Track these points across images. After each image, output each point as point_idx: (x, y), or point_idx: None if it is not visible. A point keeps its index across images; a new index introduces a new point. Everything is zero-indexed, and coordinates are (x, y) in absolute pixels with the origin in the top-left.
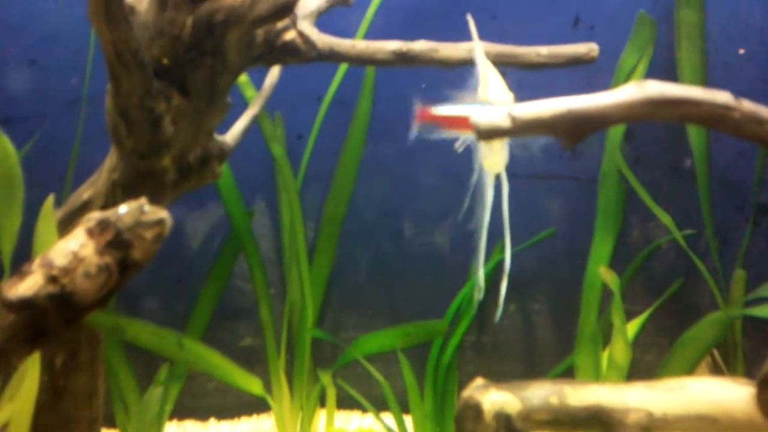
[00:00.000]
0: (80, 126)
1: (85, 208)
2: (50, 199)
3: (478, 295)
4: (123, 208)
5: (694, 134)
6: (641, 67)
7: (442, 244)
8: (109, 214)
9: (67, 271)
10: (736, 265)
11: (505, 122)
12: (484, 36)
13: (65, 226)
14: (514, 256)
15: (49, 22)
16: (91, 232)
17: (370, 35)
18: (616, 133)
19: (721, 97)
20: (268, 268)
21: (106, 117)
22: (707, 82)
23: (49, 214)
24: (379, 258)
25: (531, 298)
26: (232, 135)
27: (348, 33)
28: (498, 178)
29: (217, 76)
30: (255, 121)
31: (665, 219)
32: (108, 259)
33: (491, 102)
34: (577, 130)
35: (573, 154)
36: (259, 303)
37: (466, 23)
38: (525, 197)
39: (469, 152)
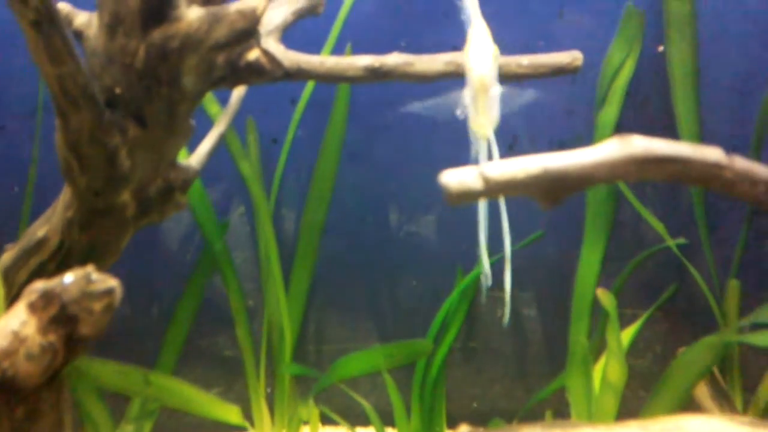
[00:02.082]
0: (37, 137)
1: (40, 245)
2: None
3: (486, 281)
4: (68, 278)
5: (686, 133)
6: (629, 63)
7: (427, 248)
8: (53, 284)
9: (7, 353)
10: (731, 272)
11: (477, 183)
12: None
13: (19, 266)
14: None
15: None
16: (33, 308)
17: (341, 39)
18: (605, 129)
19: (712, 154)
20: (247, 278)
21: (57, 153)
22: (698, 76)
23: None
24: (361, 263)
25: (521, 302)
26: (197, 158)
27: (318, 39)
28: (488, 143)
29: (175, 104)
30: (222, 139)
31: (657, 226)
32: (52, 337)
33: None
34: (555, 191)
35: None
36: (235, 322)
37: (445, 24)
38: (511, 199)
39: (458, 147)
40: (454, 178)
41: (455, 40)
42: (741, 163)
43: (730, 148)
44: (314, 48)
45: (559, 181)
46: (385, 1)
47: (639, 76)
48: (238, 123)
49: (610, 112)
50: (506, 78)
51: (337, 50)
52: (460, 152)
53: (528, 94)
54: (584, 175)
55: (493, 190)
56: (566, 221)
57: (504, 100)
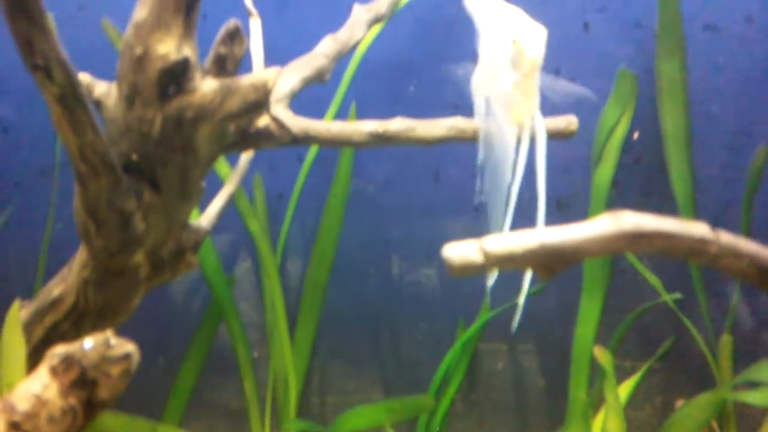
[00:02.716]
0: (54, 194)
1: (55, 304)
2: (16, 306)
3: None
4: (88, 343)
5: (679, 187)
6: (624, 122)
7: (430, 300)
8: (73, 349)
9: (30, 416)
10: (726, 325)
11: (477, 257)
12: (460, 92)
13: (34, 324)
14: (504, 313)
15: (22, 88)
16: (54, 371)
17: (350, 90)
18: (601, 187)
19: (698, 230)
20: (253, 330)
21: (74, 217)
22: (690, 134)
23: (16, 322)
24: (365, 315)
25: (521, 354)
26: (207, 218)
27: (327, 91)
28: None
29: (188, 169)
30: (231, 200)
31: (652, 280)
32: (72, 400)
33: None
34: (551, 264)
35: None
36: (242, 374)
37: (446, 73)
38: None
39: (459, 198)
40: (456, 252)
41: (456, 98)
42: (726, 238)
43: (723, 203)
44: (321, 104)
45: (556, 255)
46: (389, 63)
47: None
48: (245, 179)
49: (605, 170)
50: None
51: (343, 108)
52: (462, 203)
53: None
54: (579, 250)
55: (493, 263)
56: (565, 274)
57: None
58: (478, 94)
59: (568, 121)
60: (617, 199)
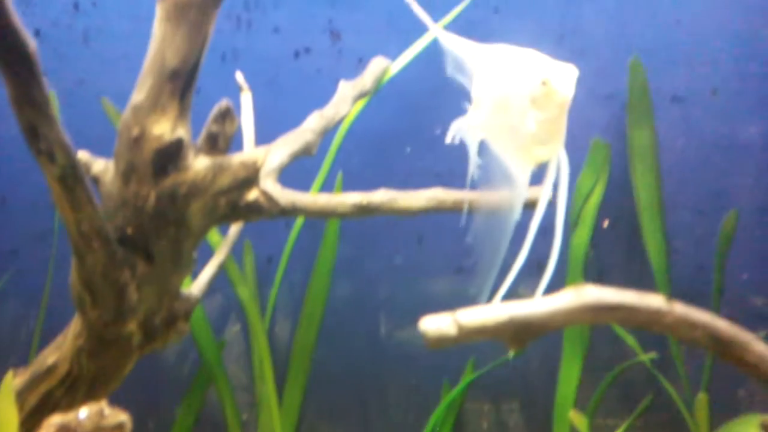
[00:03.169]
0: (51, 262)
1: (50, 372)
2: (10, 376)
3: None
4: (83, 412)
5: (653, 249)
6: (598, 189)
7: (416, 362)
8: (69, 419)
9: None
10: (702, 384)
11: (451, 330)
12: (442, 160)
13: (29, 390)
14: (489, 372)
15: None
16: None
17: (337, 160)
18: (578, 250)
19: (655, 302)
20: (242, 392)
21: (70, 288)
22: (662, 200)
23: (9, 392)
24: (352, 375)
25: (504, 414)
26: (198, 286)
27: (315, 160)
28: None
29: (181, 241)
30: (221, 267)
31: (629, 340)
32: None
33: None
34: (520, 336)
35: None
36: None
37: (429, 143)
38: None
39: (444, 257)
40: (432, 325)
41: (438, 167)
42: (680, 309)
43: (696, 265)
44: (309, 173)
45: (524, 327)
46: (374, 134)
47: (608, 200)
48: (235, 243)
49: (582, 233)
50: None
51: (331, 177)
52: (444, 265)
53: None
54: (545, 323)
55: (466, 335)
56: (547, 335)
57: None
58: (473, 136)
59: (533, 193)
60: (594, 262)
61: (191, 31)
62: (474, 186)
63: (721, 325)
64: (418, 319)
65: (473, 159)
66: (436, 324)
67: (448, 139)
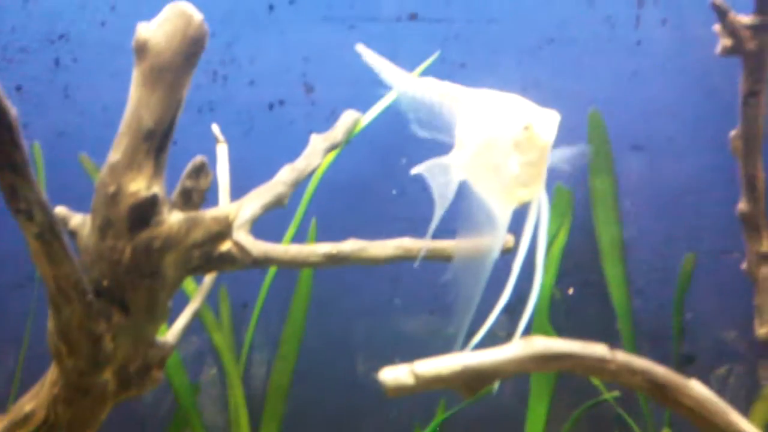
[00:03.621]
0: (32, 308)
1: (27, 419)
2: None
3: None
4: None
5: (615, 291)
6: (562, 233)
7: (391, 406)
8: None
9: None
10: (664, 420)
11: (409, 379)
12: (413, 206)
13: None
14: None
15: None
16: None
17: (311, 207)
18: (544, 295)
19: (599, 350)
20: None
21: (47, 338)
22: (623, 245)
23: None
24: (327, 416)
25: None
26: (173, 334)
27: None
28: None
29: (156, 293)
30: (196, 315)
31: (594, 380)
32: None
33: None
34: (473, 383)
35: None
36: None
37: (400, 190)
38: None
39: (416, 297)
40: (390, 375)
41: (410, 212)
42: (621, 356)
43: (657, 304)
44: (284, 219)
45: (477, 376)
46: (347, 182)
47: (571, 243)
48: (211, 290)
49: (547, 277)
50: (447, 259)
51: (305, 223)
52: (418, 305)
53: None
54: (497, 371)
55: (423, 384)
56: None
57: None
58: (456, 176)
59: (507, 239)
60: (559, 304)
61: (166, 94)
62: (445, 227)
63: (659, 371)
64: (392, 361)
65: (440, 200)
66: (394, 374)
67: (414, 171)
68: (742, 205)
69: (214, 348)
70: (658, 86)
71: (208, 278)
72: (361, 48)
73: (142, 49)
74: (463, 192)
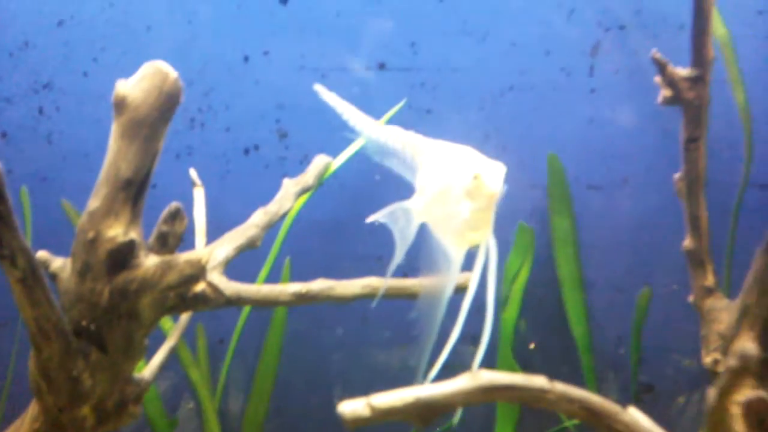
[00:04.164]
0: (15, 346)
1: None
2: None
3: None
4: None
5: (575, 324)
6: (525, 269)
7: None
8: None
9: None
10: None
11: (365, 411)
12: (383, 245)
13: None
14: None
15: None
16: None
17: (285, 247)
18: (508, 325)
19: (538, 382)
20: None
21: (29, 377)
22: (583, 280)
23: None
24: None
25: None
26: (150, 370)
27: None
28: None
29: (132, 332)
30: (173, 351)
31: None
32: None
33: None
34: (426, 414)
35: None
36: None
37: (369, 230)
38: None
39: (389, 329)
40: (348, 408)
41: (380, 251)
42: (560, 387)
43: (616, 336)
44: (257, 260)
45: (429, 407)
46: (320, 222)
47: (534, 279)
48: (188, 328)
49: (511, 310)
50: (411, 297)
51: (280, 262)
52: (388, 339)
53: None
54: (447, 403)
55: (379, 416)
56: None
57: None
58: (416, 220)
59: (465, 277)
60: (521, 337)
61: (143, 146)
62: (406, 266)
63: (594, 399)
64: (366, 392)
65: (401, 241)
66: (352, 407)
67: (371, 218)
68: (687, 242)
69: (191, 383)
70: (612, 130)
71: (184, 316)
72: (319, 88)
73: (120, 105)
74: (423, 234)
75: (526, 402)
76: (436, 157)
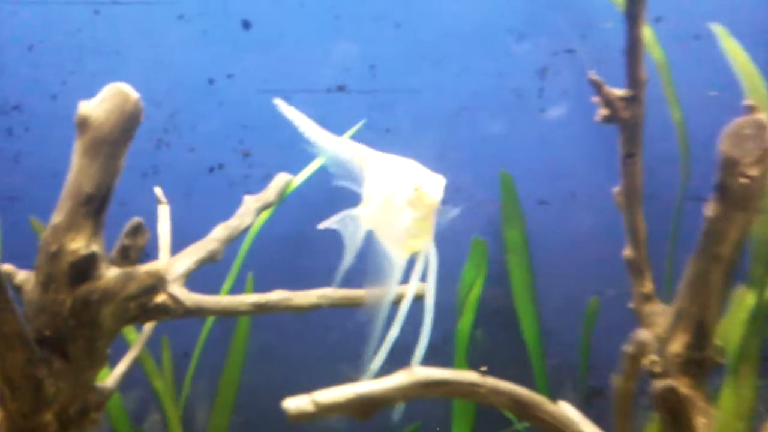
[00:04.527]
0: None
1: None
2: None
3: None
4: None
5: (528, 333)
6: (479, 281)
7: None
8: None
9: None
10: None
11: (309, 407)
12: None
13: None
14: None
15: None
16: None
17: (248, 262)
18: (463, 333)
19: (470, 377)
20: None
21: None
22: (535, 290)
23: None
24: None
25: None
26: (113, 379)
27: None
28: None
29: (94, 341)
30: (136, 362)
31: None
32: None
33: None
34: (366, 409)
35: None
36: None
37: (335, 246)
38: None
39: (343, 359)
40: (293, 404)
41: (338, 264)
42: (490, 381)
43: (567, 344)
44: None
45: (369, 402)
46: (282, 237)
47: (488, 290)
48: (153, 340)
49: (466, 320)
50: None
51: (241, 278)
52: (347, 350)
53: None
54: (385, 398)
55: (322, 411)
56: (438, 404)
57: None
58: (363, 227)
59: (421, 287)
60: (478, 344)
61: (105, 164)
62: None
63: (521, 391)
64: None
65: (350, 246)
66: (296, 403)
67: (323, 225)
68: (627, 252)
69: (157, 395)
70: (561, 148)
71: (148, 327)
72: (279, 102)
73: (83, 124)
74: (369, 241)
75: (459, 395)
76: (381, 169)
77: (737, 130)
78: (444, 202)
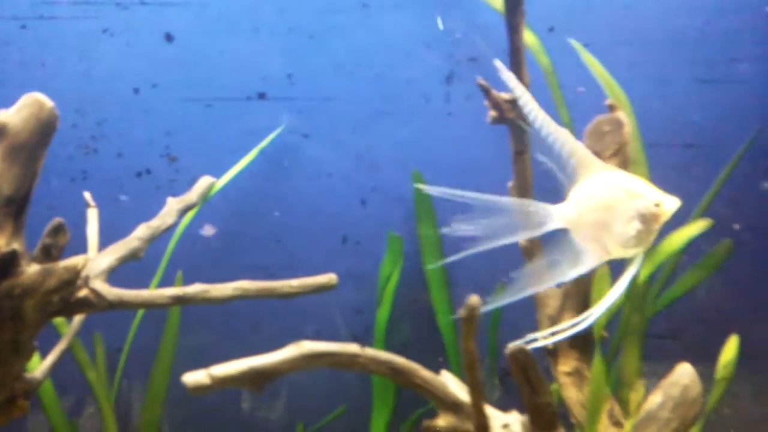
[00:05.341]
0: None
1: None
2: None
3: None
4: None
5: (442, 320)
6: (395, 275)
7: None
8: None
9: None
10: None
11: (206, 380)
12: (270, 254)
13: None
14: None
15: None
16: None
17: (176, 260)
18: (381, 322)
19: (352, 348)
20: None
21: None
22: (448, 280)
23: None
24: None
25: None
26: (41, 370)
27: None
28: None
29: (19, 332)
30: (66, 353)
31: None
32: None
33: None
34: (258, 380)
35: None
36: None
37: (258, 245)
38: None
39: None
40: (191, 378)
41: (263, 261)
42: (370, 351)
43: (478, 333)
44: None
45: (260, 374)
46: (209, 236)
47: (405, 281)
48: (87, 336)
49: (384, 310)
50: (281, 297)
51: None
52: (284, 341)
53: (324, 299)
54: (276, 369)
55: (218, 383)
56: (361, 384)
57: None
58: (555, 223)
59: (329, 278)
60: (394, 333)
61: (23, 168)
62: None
63: (398, 360)
64: (270, 396)
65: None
66: (194, 377)
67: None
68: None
69: (92, 388)
70: (467, 148)
71: (76, 320)
72: (498, 64)
73: (1, 132)
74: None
75: (342, 366)
76: (605, 177)
77: (598, 126)
78: (364, 200)
